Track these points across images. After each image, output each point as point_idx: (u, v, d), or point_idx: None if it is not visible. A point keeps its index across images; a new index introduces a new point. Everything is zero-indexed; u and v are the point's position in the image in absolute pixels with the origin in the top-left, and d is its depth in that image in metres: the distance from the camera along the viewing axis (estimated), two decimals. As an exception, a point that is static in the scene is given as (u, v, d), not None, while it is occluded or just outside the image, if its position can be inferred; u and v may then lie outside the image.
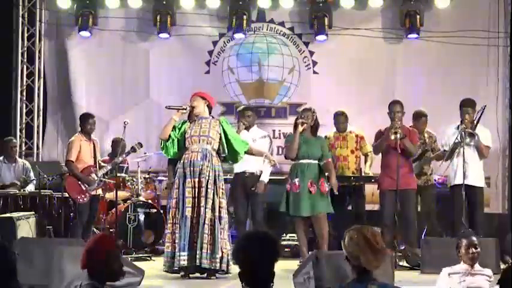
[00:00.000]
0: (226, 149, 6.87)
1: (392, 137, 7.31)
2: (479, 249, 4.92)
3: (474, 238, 4.98)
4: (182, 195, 6.63)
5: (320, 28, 9.75)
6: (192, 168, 6.64)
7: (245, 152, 6.99)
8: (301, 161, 7.45)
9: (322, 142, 7.63)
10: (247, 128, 8.00)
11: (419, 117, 8.35)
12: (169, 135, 6.84)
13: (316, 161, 7.46)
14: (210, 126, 6.79)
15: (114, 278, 3.48)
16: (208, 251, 6.51)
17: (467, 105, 7.57)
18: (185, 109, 6.87)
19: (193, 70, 10.10)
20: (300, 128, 7.40)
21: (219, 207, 6.67)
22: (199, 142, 6.73)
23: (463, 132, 7.33)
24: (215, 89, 9.98)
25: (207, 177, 6.62)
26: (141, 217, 8.57)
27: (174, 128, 6.86)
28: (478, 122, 7.48)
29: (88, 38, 10.10)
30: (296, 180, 7.39)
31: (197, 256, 6.48)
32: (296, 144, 7.42)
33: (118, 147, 8.27)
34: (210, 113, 6.96)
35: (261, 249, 3.10)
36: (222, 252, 6.58)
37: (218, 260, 6.53)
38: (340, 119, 8.56)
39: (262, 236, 3.18)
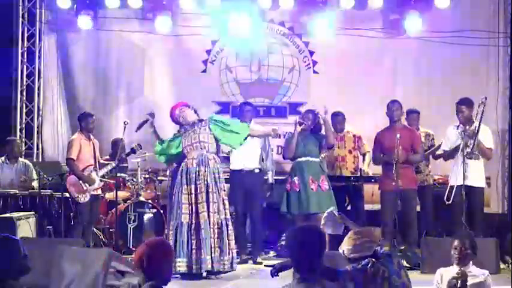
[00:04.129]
0: (222, 143, 7.04)
1: None
2: (465, 251, 4.81)
3: (458, 239, 4.89)
4: (179, 202, 6.72)
5: (320, 28, 9.74)
6: (187, 175, 6.75)
7: (245, 138, 6.98)
8: (299, 159, 7.46)
9: (321, 137, 7.56)
10: None
11: (410, 114, 8.40)
12: (158, 148, 7.11)
13: (315, 159, 7.44)
14: (200, 131, 6.88)
15: (165, 282, 3.51)
16: (216, 254, 6.58)
17: (460, 103, 7.57)
18: (147, 120, 7.12)
19: (190, 69, 10.10)
20: (298, 128, 7.41)
21: (224, 208, 6.72)
22: (194, 149, 6.85)
23: (463, 135, 7.31)
24: (211, 87, 10.01)
25: (205, 182, 6.68)
26: (141, 217, 8.58)
27: (162, 141, 7.08)
28: (482, 117, 7.35)
29: (88, 37, 10.09)
30: (295, 178, 7.40)
31: (205, 261, 6.52)
32: (293, 144, 7.43)
33: (118, 148, 8.28)
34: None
35: (313, 241, 3.44)
36: (230, 252, 6.66)
37: (227, 261, 6.61)
38: (338, 119, 8.61)
39: (315, 229, 3.56)
